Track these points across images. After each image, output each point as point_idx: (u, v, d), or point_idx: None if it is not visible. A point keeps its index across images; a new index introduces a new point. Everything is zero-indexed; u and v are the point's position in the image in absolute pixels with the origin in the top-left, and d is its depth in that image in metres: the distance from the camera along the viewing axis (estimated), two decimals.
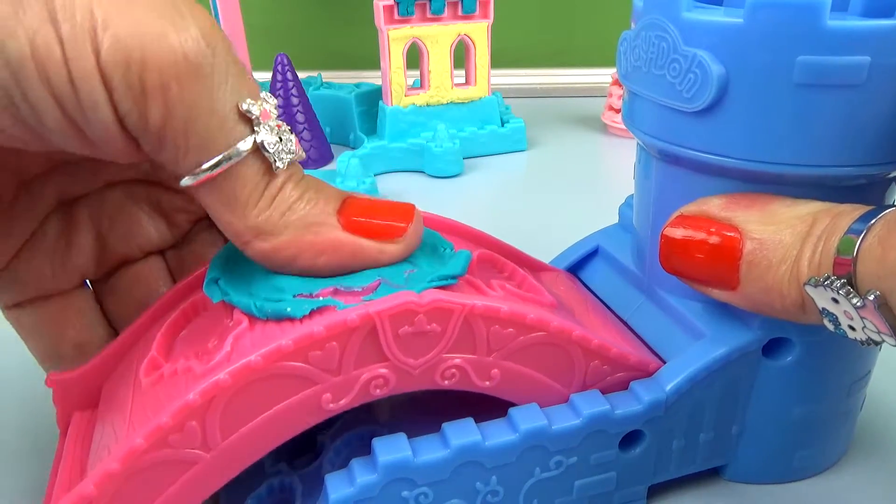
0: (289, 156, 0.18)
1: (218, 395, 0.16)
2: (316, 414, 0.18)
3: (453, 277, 0.19)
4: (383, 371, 0.18)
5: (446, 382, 0.19)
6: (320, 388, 0.17)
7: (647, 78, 0.21)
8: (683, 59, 0.19)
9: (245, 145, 0.17)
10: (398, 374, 0.18)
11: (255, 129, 0.17)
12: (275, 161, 0.18)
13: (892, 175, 0.19)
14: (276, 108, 0.18)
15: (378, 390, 0.18)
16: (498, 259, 0.24)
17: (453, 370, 0.19)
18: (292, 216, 0.18)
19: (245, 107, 0.17)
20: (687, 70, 0.19)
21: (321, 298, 0.18)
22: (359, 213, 0.19)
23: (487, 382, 0.19)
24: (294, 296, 0.18)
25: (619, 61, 0.23)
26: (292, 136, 0.18)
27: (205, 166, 0.17)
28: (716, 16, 0.19)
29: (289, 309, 0.17)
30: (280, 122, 0.18)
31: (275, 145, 0.17)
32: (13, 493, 0.24)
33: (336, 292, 0.18)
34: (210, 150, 0.17)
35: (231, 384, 0.16)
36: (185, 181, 0.17)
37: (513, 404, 0.20)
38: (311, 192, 0.19)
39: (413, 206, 0.20)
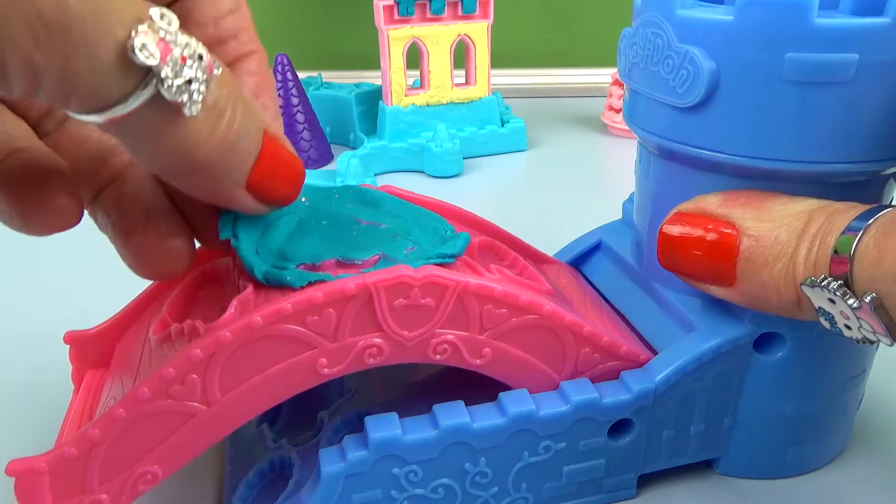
0: (201, 93, 0.15)
1: (219, 350, 0.17)
2: (311, 377, 0.18)
3: (451, 256, 0.20)
4: (378, 341, 0.18)
5: (438, 357, 0.19)
6: (317, 353, 0.18)
7: (644, 74, 0.21)
8: (677, 55, 0.20)
9: (142, 95, 0.14)
10: (392, 345, 0.19)
11: (155, 71, 0.14)
12: (186, 105, 0.14)
13: (886, 172, 0.20)
14: (176, 30, 0.14)
15: (372, 359, 0.19)
16: (500, 247, 0.25)
17: (446, 346, 0.19)
18: (205, 167, 0.16)
19: (136, 52, 0.13)
20: (680, 66, 0.20)
21: (320, 273, 0.18)
22: (266, 178, 0.17)
23: (479, 360, 0.20)
24: (297, 265, 0.19)
25: (619, 58, 0.23)
26: (203, 61, 0.14)
27: (93, 118, 0.14)
28: (708, 13, 0.19)
29: (288, 278, 0.18)
30: (185, 53, 0.14)
31: (181, 89, 0.14)
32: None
33: (338, 264, 0.19)
34: (97, 105, 0.14)
35: (231, 341, 0.17)
36: (73, 116, 0.14)
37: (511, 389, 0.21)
38: (236, 138, 0.16)
39: (302, 171, 0.19)
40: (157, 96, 0.14)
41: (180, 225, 0.19)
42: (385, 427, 0.19)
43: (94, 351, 0.23)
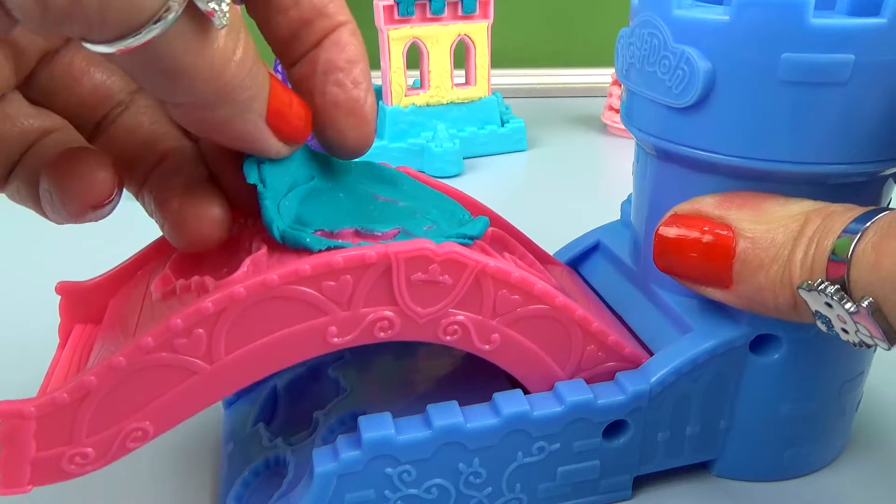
0: (227, 2, 0.15)
1: (230, 306, 0.17)
2: (320, 345, 0.18)
3: (470, 238, 0.20)
4: (390, 314, 0.18)
5: (448, 338, 0.19)
6: (328, 320, 0.18)
7: (641, 75, 0.21)
8: (673, 55, 0.20)
9: (176, 7, 0.14)
10: (404, 320, 0.18)
11: None
12: (216, 14, 0.14)
13: (885, 173, 0.20)
14: None
15: (382, 333, 0.18)
16: (509, 240, 0.25)
17: (456, 327, 0.19)
18: (233, 92, 0.16)
19: None
20: (676, 66, 0.20)
21: (339, 241, 0.18)
22: (281, 110, 0.18)
23: (487, 346, 0.20)
24: (314, 231, 0.18)
25: (616, 58, 0.23)
26: None
27: (127, 41, 0.13)
28: (704, 13, 0.19)
29: (307, 240, 0.18)
30: None
31: None
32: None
33: (356, 234, 0.19)
34: (132, 22, 0.13)
35: (245, 297, 0.17)
36: (98, 48, 0.14)
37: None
38: (253, 62, 0.16)
39: (307, 108, 0.19)
40: (189, 8, 0.14)
41: (217, 194, 0.19)
42: (378, 427, 0.19)
43: (85, 305, 0.22)
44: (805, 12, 0.17)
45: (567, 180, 0.53)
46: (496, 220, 0.25)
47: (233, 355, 0.17)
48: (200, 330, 0.17)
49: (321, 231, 0.18)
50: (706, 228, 0.19)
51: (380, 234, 0.19)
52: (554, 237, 0.30)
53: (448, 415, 0.20)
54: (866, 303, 0.16)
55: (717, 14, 0.19)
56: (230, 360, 0.17)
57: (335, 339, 0.18)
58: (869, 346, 0.17)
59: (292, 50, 0.19)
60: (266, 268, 0.17)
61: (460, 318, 0.19)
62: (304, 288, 0.17)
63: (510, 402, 0.20)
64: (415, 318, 0.18)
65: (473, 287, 0.19)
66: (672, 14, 0.19)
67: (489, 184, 0.52)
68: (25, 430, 0.16)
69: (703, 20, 0.19)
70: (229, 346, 0.17)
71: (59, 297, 0.22)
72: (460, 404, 0.20)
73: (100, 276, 0.22)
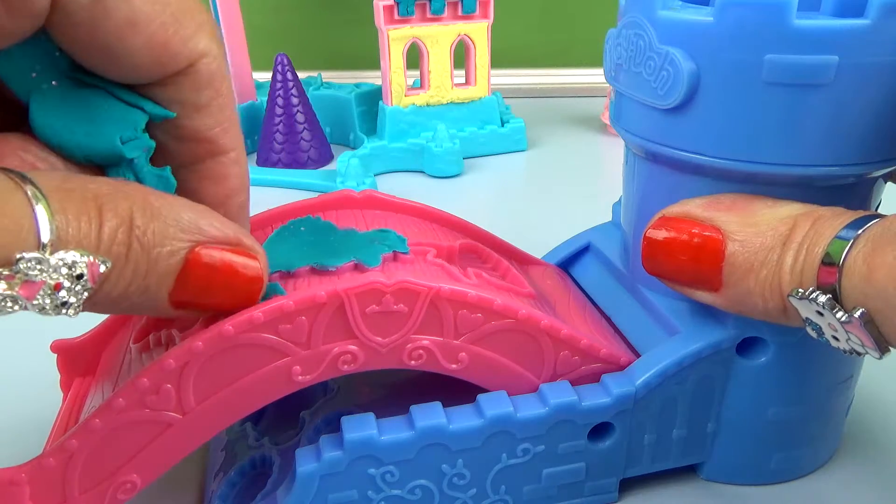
0: (81, 303, 0.14)
1: (191, 360, 0.17)
2: (287, 385, 0.18)
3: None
4: (352, 347, 0.18)
5: (414, 363, 0.19)
6: (291, 360, 0.18)
7: (628, 76, 0.21)
8: (658, 56, 0.19)
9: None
10: (366, 352, 0.19)
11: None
12: (63, 313, 0.14)
13: (872, 175, 0.20)
14: (51, 259, 0.13)
15: (346, 366, 0.19)
16: (482, 250, 0.25)
17: (420, 351, 0.19)
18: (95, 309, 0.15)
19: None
20: (661, 67, 0.19)
21: (273, 283, 0.18)
22: (196, 294, 0.16)
23: (454, 365, 0.20)
24: (273, 273, 0.19)
25: (604, 60, 0.23)
26: (84, 279, 0.14)
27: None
28: (688, 14, 0.19)
29: (268, 295, 0.18)
30: (62, 277, 0.13)
31: (56, 310, 0.14)
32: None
33: (312, 272, 0.19)
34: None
35: (203, 350, 0.17)
36: None
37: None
38: (121, 290, 0.15)
39: (254, 279, 0.17)
40: None
41: None
42: (361, 427, 0.19)
43: (81, 359, 0.23)
44: (788, 13, 0.17)
45: (567, 180, 0.53)
46: (469, 230, 0.25)
47: (204, 404, 0.18)
48: (168, 385, 0.17)
49: (279, 272, 0.19)
50: (695, 231, 0.19)
51: (333, 269, 0.19)
52: (553, 237, 0.30)
53: (431, 416, 0.20)
54: (858, 313, 0.15)
55: (702, 15, 0.19)
56: (202, 408, 0.18)
57: (300, 378, 0.18)
58: (860, 354, 0.17)
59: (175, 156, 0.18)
60: (226, 315, 0.18)
61: (424, 342, 0.19)
62: (260, 334, 0.18)
63: (494, 404, 0.20)
64: (377, 349, 0.19)
65: (431, 311, 0.19)
66: (657, 15, 0.19)
67: (489, 184, 0.52)
68: (21, 494, 0.17)
69: (687, 21, 0.19)
70: (198, 395, 0.18)
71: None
72: (451, 405, 0.20)
73: (90, 330, 0.23)
